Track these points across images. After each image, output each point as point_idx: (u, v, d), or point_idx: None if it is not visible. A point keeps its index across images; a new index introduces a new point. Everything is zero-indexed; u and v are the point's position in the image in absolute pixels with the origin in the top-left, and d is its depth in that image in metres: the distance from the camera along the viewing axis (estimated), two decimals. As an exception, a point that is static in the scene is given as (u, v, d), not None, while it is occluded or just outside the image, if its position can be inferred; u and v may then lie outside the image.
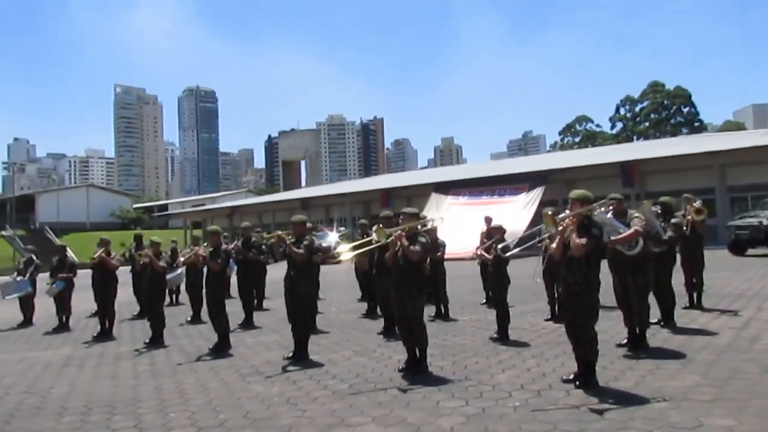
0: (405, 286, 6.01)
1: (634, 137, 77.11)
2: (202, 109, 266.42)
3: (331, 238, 13.04)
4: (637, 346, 6.42)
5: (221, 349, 7.71)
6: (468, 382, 5.48)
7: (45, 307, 11.87)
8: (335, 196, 40.49)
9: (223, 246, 8.03)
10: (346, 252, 7.80)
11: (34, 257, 12.01)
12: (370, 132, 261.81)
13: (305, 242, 7.02)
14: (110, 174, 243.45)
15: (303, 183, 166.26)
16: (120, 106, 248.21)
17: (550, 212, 5.43)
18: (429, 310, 9.90)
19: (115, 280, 9.75)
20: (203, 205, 62.43)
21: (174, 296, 13.98)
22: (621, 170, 27.04)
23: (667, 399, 4.58)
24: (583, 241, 4.97)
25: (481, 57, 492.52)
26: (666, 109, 79.89)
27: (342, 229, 19.19)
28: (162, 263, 8.61)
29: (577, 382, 5.09)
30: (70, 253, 11.27)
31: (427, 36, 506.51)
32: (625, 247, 6.46)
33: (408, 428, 4.29)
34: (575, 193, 5.33)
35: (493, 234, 8.26)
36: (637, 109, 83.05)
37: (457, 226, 18.98)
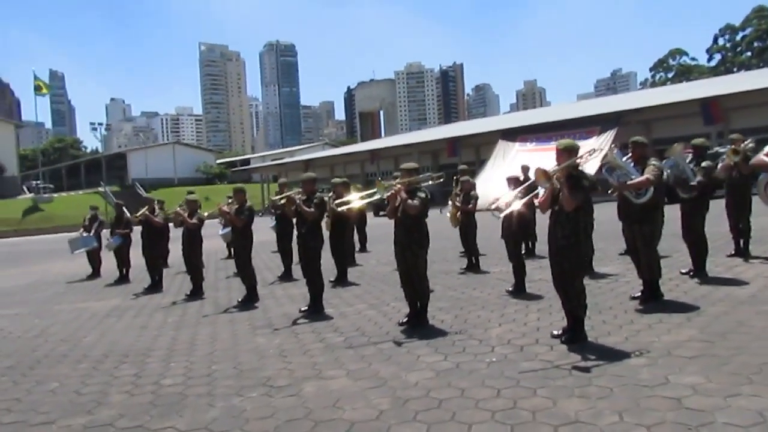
0: (406, 240, 6.02)
1: (735, 69, 71.30)
2: (282, 64, 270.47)
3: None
4: (649, 298, 6.17)
5: (249, 301, 8.10)
6: (459, 336, 5.49)
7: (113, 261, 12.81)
8: (403, 146, 40.36)
9: (248, 203, 8.30)
10: (349, 205, 7.85)
11: (98, 214, 12.94)
12: (450, 78, 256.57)
13: (315, 200, 7.14)
14: (199, 130, 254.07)
15: (382, 134, 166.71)
16: (205, 63, 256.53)
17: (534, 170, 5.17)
18: (461, 263, 9.92)
19: (161, 236, 10.33)
20: (282, 158, 64.12)
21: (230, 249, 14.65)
22: (702, 107, 25.20)
23: (646, 354, 4.41)
24: (567, 193, 4.77)
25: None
26: (772, 36, 73.14)
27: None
28: (195, 219, 9.03)
29: (563, 338, 4.98)
30: (125, 210, 12.00)
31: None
32: (632, 194, 6.15)
33: (376, 382, 4.38)
34: (561, 143, 5.09)
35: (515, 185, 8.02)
36: (738, 37, 76.69)
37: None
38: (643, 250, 6.25)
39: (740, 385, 3.70)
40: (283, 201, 7.48)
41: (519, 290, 7.26)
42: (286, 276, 10.24)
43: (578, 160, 5.03)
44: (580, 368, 4.27)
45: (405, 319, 6.13)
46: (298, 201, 7.10)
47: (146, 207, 10.58)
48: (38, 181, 62.22)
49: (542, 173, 4.80)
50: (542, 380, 4.10)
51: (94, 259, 12.93)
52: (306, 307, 7.20)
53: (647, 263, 6.22)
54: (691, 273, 7.27)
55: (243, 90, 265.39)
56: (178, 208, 9.21)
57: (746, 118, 24.32)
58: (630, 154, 6.43)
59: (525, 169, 10.32)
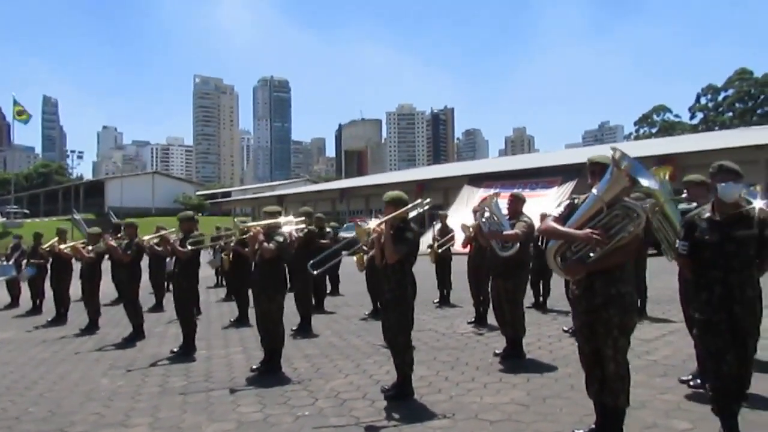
0: (261, 283, 5.95)
1: (716, 127, 72.75)
2: (275, 99, 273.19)
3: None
4: (511, 356, 6.08)
5: (132, 340, 7.92)
6: (298, 386, 5.37)
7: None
8: (372, 186, 40.54)
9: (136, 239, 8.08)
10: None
11: (21, 243, 12.75)
12: (440, 122, 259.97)
13: (190, 240, 7.08)
14: (189, 161, 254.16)
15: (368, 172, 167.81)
16: (198, 95, 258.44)
17: (363, 225, 5.08)
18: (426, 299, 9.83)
19: (69, 269, 10.13)
20: (262, 192, 64.12)
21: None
22: (657, 164, 25.56)
23: (452, 417, 4.31)
24: (392, 246, 4.73)
25: (557, 45, 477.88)
26: (753, 99, 74.98)
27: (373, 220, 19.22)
28: (92, 254, 8.88)
29: (388, 393, 4.88)
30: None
31: (503, 23, 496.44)
32: (498, 245, 6.14)
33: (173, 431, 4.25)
34: (388, 195, 5.04)
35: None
36: (720, 98, 78.38)
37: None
38: (506, 307, 6.20)
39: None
40: (156, 240, 7.41)
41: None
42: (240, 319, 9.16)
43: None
44: (375, 428, 4.16)
45: (258, 365, 5.99)
46: (172, 241, 7.03)
47: (56, 239, 10.39)
48: (13, 206, 61.66)
49: (362, 231, 4.76)
50: (328, 438, 3.98)
51: (13, 287, 12.68)
52: (177, 348, 7.04)
53: (511, 320, 6.17)
54: (571, 330, 7.21)
55: (235, 123, 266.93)
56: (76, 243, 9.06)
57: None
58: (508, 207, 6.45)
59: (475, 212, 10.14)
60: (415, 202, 5.07)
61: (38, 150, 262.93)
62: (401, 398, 4.78)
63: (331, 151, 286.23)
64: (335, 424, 4.29)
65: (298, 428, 4.23)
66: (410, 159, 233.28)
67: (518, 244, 6.05)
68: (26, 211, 65.20)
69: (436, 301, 10.50)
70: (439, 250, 9.66)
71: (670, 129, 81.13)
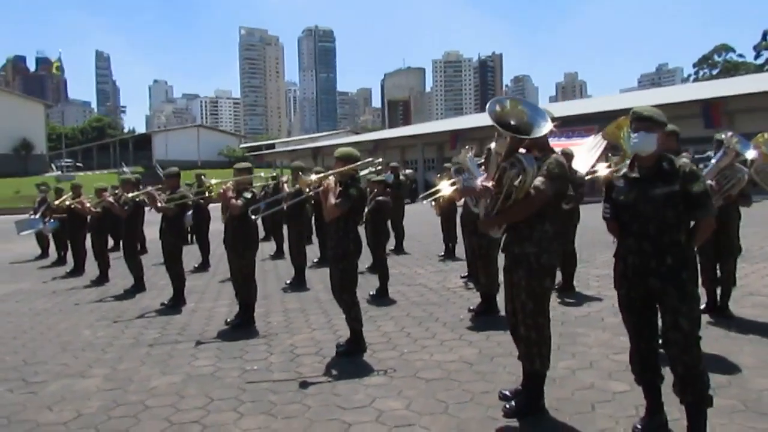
0: (231, 241, 6.04)
1: (784, 68, 68.20)
2: (320, 49, 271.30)
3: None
4: (484, 312, 6.03)
5: (134, 291, 8.19)
6: (262, 340, 5.48)
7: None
8: (408, 137, 40.11)
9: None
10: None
11: (47, 197, 13.25)
12: (488, 69, 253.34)
13: (176, 196, 7.19)
14: (237, 113, 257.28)
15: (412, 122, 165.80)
16: (245, 47, 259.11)
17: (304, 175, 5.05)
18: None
19: (82, 223, 10.43)
20: (301, 145, 64.48)
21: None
22: (702, 109, 24.28)
23: (390, 374, 4.32)
24: (333, 201, 4.68)
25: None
26: (828, 33, 69.79)
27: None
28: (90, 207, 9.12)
29: (341, 349, 4.92)
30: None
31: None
32: (472, 201, 6.00)
33: (120, 384, 4.40)
34: (338, 151, 4.99)
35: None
36: (790, 35, 73.11)
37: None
38: (478, 262, 6.11)
39: (437, 413, 3.60)
40: (141, 197, 7.54)
41: (380, 295, 7.16)
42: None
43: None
44: (308, 383, 4.22)
45: (233, 318, 6.13)
46: (157, 198, 7.15)
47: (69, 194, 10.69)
48: (67, 160, 64.12)
49: (303, 182, 4.74)
50: (260, 393, 4.06)
51: (43, 239, 13.30)
52: (167, 301, 7.26)
53: (483, 276, 6.08)
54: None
55: (281, 75, 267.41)
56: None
57: (751, 122, 23.33)
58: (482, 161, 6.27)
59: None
60: (366, 160, 5.00)
61: (93, 104, 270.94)
62: (352, 354, 4.82)
63: (377, 102, 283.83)
64: (275, 379, 4.36)
65: (240, 382, 4.33)
66: (457, 108, 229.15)
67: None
68: (80, 164, 67.74)
69: (441, 254, 10.45)
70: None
71: (733, 70, 76.61)
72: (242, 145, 79.54)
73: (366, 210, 7.84)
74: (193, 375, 4.55)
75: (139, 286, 8.31)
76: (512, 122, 3.37)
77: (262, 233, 11.66)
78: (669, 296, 2.98)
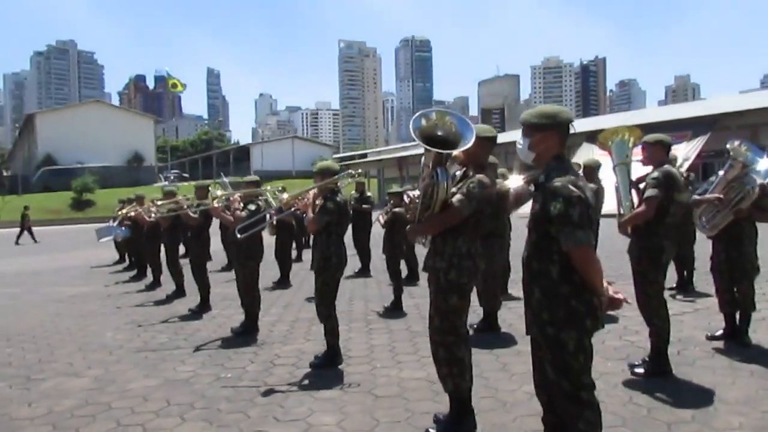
0: (235, 251, 6.30)
1: None
2: (417, 59, 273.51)
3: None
4: (483, 330, 5.88)
5: (176, 295, 8.70)
6: (253, 348, 5.64)
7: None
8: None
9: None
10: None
11: (125, 205, 14.32)
12: (591, 73, 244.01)
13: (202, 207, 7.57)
14: (336, 124, 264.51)
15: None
16: (344, 60, 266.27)
17: (281, 192, 5.16)
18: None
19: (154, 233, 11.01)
20: (392, 154, 65.19)
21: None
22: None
23: (344, 389, 4.32)
24: (311, 214, 4.79)
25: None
26: None
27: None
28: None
29: (314, 362, 4.97)
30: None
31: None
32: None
33: (96, 384, 4.71)
34: (318, 165, 5.07)
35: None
36: None
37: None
38: (480, 278, 5.96)
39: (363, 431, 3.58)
40: (170, 206, 7.99)
41: (395, 307, 7.15)
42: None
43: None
44: (269, 392, 4.31)
45: (237, 327, 6.35)
46: (185, 207, 7.56)
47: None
48: (174, 171, 68.80)
49: (275, 198, 4.86)
50: (215, 401, 4.21)
51: (120, 246, 14.38)
52: (195, 306, 7.64)
53: (484, 292, 5.93)
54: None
55: (378, 85, 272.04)
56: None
57: None
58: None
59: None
60: (345, 173, 5.05)
61: (205, 118, 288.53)
62: (325, 367, 4.86)
63: (475, 110, 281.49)
64: (239, 385, 4.51)
65: (206, 389, 4.50)
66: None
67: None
68: (186, 175, 72.38)
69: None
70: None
71: None
72: (334, 156, 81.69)
73: (383, 221, 7.91)
74: (170, 380, 4.78)
75: (179, 292, 8.80)
76: (440, 133, 3.29)
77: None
78: (539, 336, 2.61)
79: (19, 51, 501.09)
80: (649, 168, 4.46)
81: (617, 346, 5.18)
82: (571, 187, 2.43)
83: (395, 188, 8.41)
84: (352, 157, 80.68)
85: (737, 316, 5.16)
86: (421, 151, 3.31)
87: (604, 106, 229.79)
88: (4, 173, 67.36)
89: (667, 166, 4.40)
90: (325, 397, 4.20)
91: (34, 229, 26.19)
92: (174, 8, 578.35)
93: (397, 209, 7.52)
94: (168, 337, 6.31)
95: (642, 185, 4.50)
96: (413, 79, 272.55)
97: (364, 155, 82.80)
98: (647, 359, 4.45)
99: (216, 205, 6.17)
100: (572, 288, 2.46)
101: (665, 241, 4.34)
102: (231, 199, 6.26)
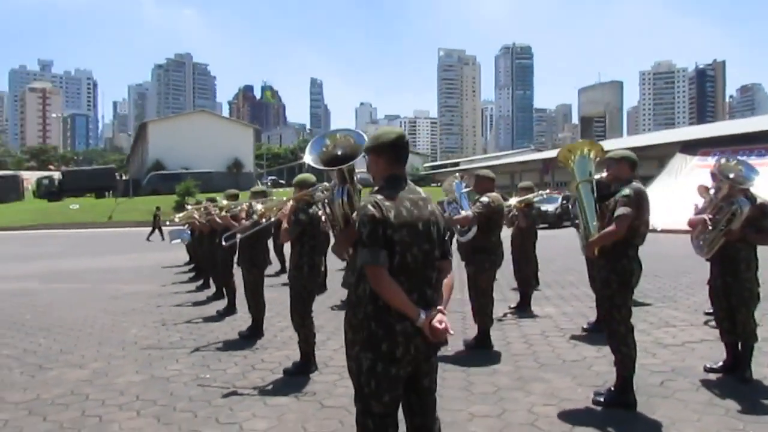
0: (240, 259, 6.61)
1: None
2: (517, 66, 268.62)
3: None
4: (475, 347, 5.78)
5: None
6: (245, 352, 5.88)
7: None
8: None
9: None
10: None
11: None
12: (707, 78, 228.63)
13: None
14: (434, 133, 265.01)
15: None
16: (442, 68, 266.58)
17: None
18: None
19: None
20: (484, 163, 64.53)
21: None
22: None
23: (297, 397, 4.43)
24: (285, 226, 4.97)
25: None
26: None
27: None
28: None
29: (289, 369, 5.12)
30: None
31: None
32: (457, 230, 5.85)
33: (97, 377, 5.14)
34: (296, 178, 5.24)
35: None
36: None
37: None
38: (470, 293, 5.89)
39: None
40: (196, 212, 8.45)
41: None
42: None
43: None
44: (230, 394, 4.52)
45: (244, 331, 6.64)
46: (213, 213, 7.99)
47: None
48: (271, 177, 71.83)
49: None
50: (175, 399, 4.47)
51: (188, 249, 15.32)
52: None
53: (477, 308, 5.84)
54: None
55: (477, 93, 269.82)
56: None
57: None
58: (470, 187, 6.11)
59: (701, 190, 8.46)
60: (319, 186, 5.18)
61: (308, 127, 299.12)
62: (297, 374, 5.01)
63: (576, 118, 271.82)
64: (211, 386, 4.76)
65: (180, 388, 4.78)
66: (668, 122, 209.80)
67: (475, 228, 5.66)
68: (282, 181, 75.32)
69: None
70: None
71: None
72: (426, 164, 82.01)
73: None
74: (155, 377, 5.10)
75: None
76: (339, 153, 3.35)
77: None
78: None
79: (142, 64, 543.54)
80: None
81: (602, 372, 4.92)
82: (368, 205, 2.41)
83: None
84: (444, 166, 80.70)
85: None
86: (515, 159, 3.37)
87: (723, 113, 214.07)
88: (124, 177, 73.28)
89: (636, 183, 4.19)
90: (275, 403, 4.34)
91: (141, 229, 28.36)
92: (281, 22, 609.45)
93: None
94: (181, 336, 6.71)
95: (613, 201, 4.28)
96: (513, 87, 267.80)
97: (457, 164, 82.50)
98: (612, 389, 4.22)
99: (224, 213, 6.50)
100: (375, 309, 2.41)
101: (635, 264, 4.12)
102: (239, 208, 6.58)
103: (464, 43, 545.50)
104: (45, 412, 4.27)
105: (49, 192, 53.52)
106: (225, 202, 7.28)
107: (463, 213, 5.73)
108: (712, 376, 4.74)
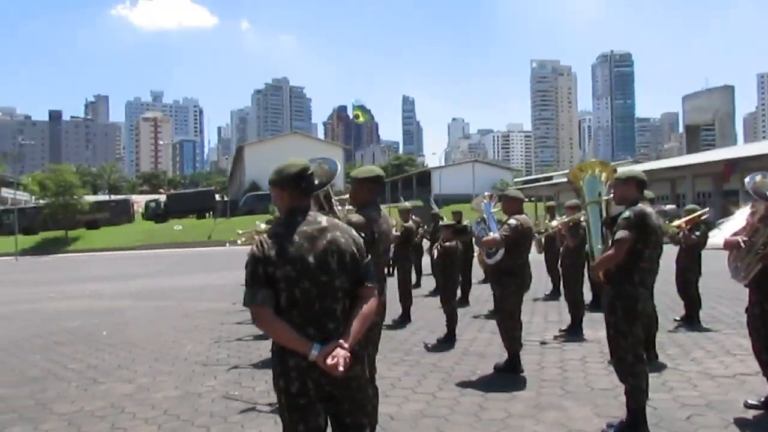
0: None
1: None
2: (616, 75, 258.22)
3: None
4: (505, 370, 5.68)
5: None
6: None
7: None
8: (672, 169, 35.68)
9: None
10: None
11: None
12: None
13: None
14: (528, 146, 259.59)
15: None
16: (536, 80, 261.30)
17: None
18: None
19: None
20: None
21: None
22: None
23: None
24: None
25: None
26: None
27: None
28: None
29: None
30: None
31: None
32: (484, 252, 5.80)
33: (138, 392, 5.54)
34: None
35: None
36: None
37: None
38: (497, 317, 5.81)
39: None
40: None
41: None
42: None
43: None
44: (224, 401, 4.72)
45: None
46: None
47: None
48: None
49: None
50: (175, 407, 4.74)
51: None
52: None
53: (503, 331, 5.74)
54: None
55: (573, 104, 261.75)
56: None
57: None
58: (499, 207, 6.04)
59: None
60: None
61: (400, 144, 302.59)
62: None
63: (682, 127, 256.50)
64: (234, 403, 5.00)
65: (207, 403, 5.04)
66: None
67: (503, 250, 5.57)
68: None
69: (546, 293, 10.37)
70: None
71: None
72: (515, 179, 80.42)
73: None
74: (189, 393, 5.41)
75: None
76: (317, 182, 3.50)
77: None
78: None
79: (243, 90, 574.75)
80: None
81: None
82: (253, 246, 2.45)
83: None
84: (536, 180, 78.80)
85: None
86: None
87: None
88: (224, 198, 77.43)
89: (640, 205, 4.01)
90: (251, 418, 4.57)
91: (237, 248, 29.86)
92: (372, 42, 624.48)
93: (447, 243, 7.45)
94: (228, 353, 7.06)
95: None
96: (612, 96, 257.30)
97: (549, 178, 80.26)
98: (623, 420, 4.02)
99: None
100: (276, 344, 2.42)
101: (640, 289, 3.95)
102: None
103: (558, 53, 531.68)
104: (81, 423, 4.66)
105: (155, 214, 57.66)
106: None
107: (492, 235, 5.66)
108: (750, 413, 4.38)
